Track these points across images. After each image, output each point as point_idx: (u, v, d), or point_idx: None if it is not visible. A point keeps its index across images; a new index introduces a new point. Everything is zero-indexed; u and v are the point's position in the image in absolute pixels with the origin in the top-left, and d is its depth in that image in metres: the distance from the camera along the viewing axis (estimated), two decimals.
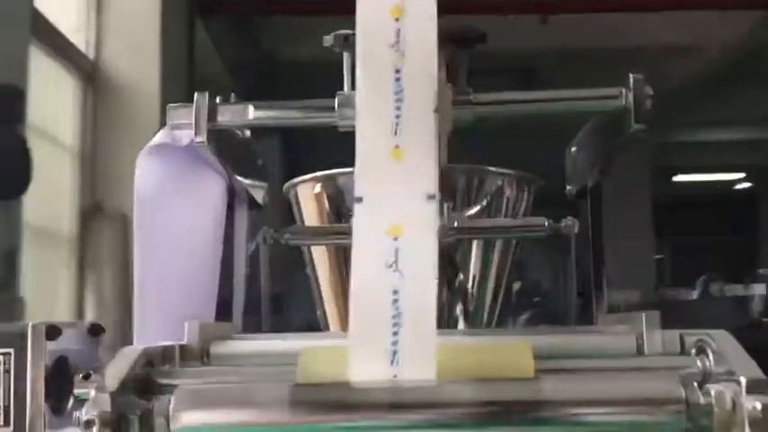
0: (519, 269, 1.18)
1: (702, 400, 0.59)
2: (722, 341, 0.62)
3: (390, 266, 0.60)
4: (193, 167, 0.89)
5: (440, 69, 0.82)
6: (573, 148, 1.08)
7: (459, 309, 1.17)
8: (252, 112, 0.85)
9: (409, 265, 0.61)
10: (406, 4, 0.64)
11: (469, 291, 1.20)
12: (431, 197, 0.62)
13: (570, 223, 1.07)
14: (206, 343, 0.74)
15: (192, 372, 0.68)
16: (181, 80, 3.81)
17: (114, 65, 3.67)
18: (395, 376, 0.61)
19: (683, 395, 0.58)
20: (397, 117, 0.65)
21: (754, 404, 0.56)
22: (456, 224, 1.05)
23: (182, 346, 0.73)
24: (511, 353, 0.65)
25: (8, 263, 2.80)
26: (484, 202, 1.16)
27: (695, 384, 0.60)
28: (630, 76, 0.84)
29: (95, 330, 0.71)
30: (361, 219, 0.62)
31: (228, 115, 0.85)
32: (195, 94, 0.83)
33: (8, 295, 2.74)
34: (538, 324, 5.11)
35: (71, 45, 3.49)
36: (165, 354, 0.70)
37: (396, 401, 0.61)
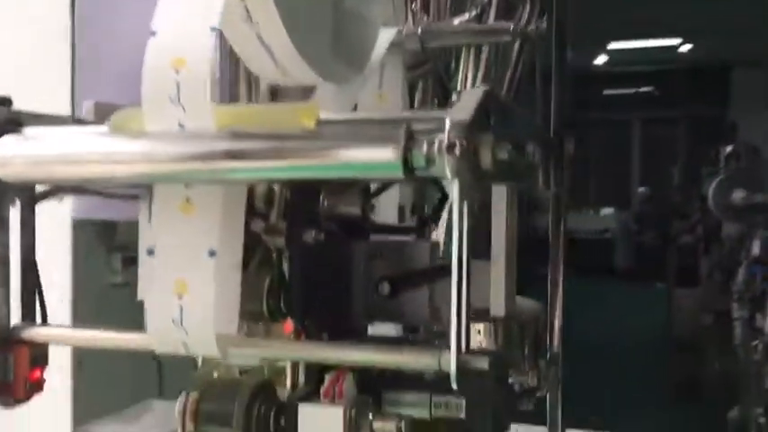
0: None
1: (425, 146, 0.61)
2: (470, 95, 0.63)
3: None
4: None
5: None
6: None
7: None
8: None
9: None
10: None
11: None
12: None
13: (536, 27, 1.05)
14: (101, 120, 0.85)
15: (50, 129, 0.78)
16: None
17: None
18: (181, 126, 0.69)
19: (403, 140, 0.61)
20: None
21: (448, 142, 0.58)
22: (419, 30, 1.07)
23: (78, 119, 0.84)
24: (295, 110, 0.69)
25: None
26: (474, 12, 1.16)
27: (421, 131, 0.62)
28: None
29: (3, 102, 0.83)
30: None
31: None
32: None
33: None
34: None
35: None
36: (52, 120, 0.82)
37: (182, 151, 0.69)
